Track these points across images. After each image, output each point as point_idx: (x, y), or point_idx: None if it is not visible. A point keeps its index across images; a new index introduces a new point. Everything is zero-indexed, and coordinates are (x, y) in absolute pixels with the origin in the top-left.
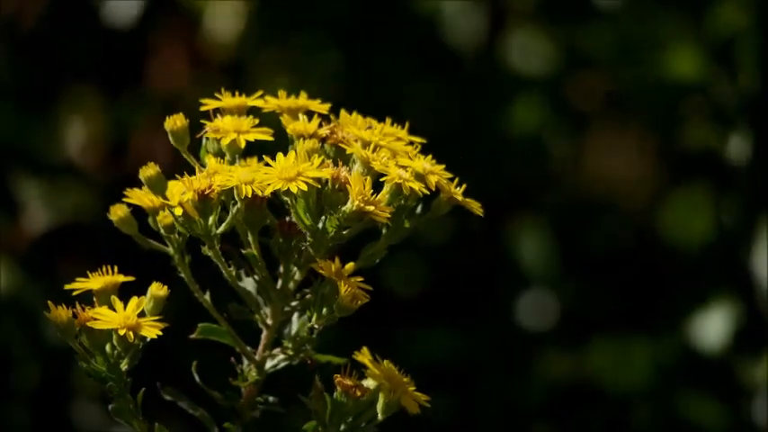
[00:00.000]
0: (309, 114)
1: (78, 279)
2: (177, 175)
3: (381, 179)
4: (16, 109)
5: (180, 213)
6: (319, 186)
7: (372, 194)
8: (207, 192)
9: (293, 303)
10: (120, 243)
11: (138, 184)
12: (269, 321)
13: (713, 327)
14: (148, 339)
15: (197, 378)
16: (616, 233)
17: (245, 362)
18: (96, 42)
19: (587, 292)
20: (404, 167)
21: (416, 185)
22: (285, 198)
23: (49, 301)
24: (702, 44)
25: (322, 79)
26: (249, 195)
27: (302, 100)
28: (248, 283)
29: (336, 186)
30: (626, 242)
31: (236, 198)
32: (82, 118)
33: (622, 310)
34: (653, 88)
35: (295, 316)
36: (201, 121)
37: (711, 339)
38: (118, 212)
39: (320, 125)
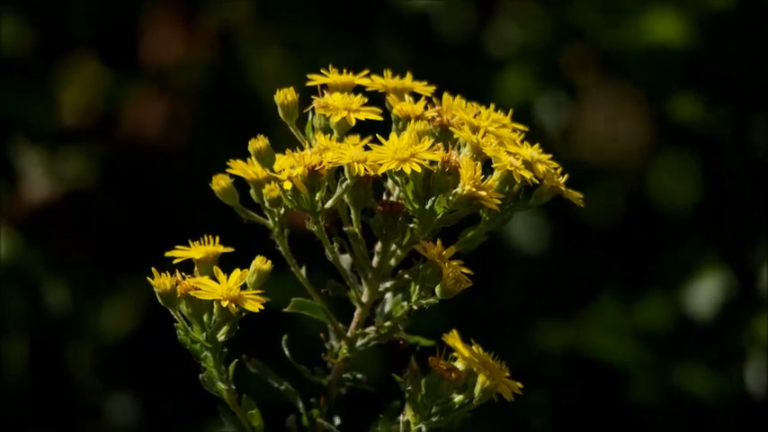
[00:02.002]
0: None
1: (178, 247)
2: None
3: (492, 165)
4: (15, 77)
5: (289, 187)
6: (431, 168)
7: (483, 180)
8: (318, 168)
9: (389, 283)
10: (118, 211)
11: (134, 155)
12: (364, 299)
13: (705, 294)
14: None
15: (287, 352)
16: (608, 201)
17: (335, 338)
18: (94, 11)
19: (579, 263)
20: (513, 155)
21: (527, 174)
22: (397, 178)
23: (153, 269)
24: (689, 15)
25: (311, 55)
26: (361, 174)
27: (408, 81)
28: (344, 261)
29: (446, 170)
30: (617, 210)
31: (347, 176)
32: (79, 86)
33: (614, 279)
34: (641, 54)
35: (389, 295)
36: (312, 96)
37: (703, 306)
38: (220, 182)
39: (425, 107)
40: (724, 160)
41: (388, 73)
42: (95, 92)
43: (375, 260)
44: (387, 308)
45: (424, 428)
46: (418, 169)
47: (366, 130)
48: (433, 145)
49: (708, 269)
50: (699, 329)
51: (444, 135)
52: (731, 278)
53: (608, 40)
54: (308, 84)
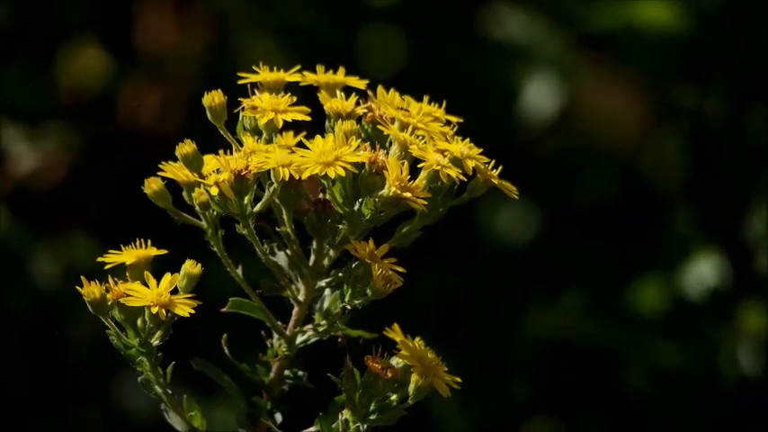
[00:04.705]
0: (346, 90)
1: (110, 252)
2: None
3: (419, 165)
4: (11, 57)
5: (216, 193)
6: (356, 171)
7: (409, 180)
8: (243, 173)
9: (326, 280)
10: (110, 190)
11: (127, 139)
12: (300, 297)
13: (698, 275)
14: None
15: (227, 351)
16: (602, 184)
17: (276, 337)
18: None
19: (570, 247)
20: (442, 152)
21: (453, 172)
22: (323, 181)
23: (82, 277)
24: (684, 2)
25: (304, 40)
26: (286, 178)
27: (340, 76)
28: (281, 259)
29: (373, 170)
30: (611, 192)
31: (273, 180)
32: (75, 69)
33: (606, 262)
34: (635, 38)
35: (327, 292)
36: (239, 99)
37: (696, 288)
38: (152, 186)
39: (357, 102)
40: (717, 143)
41: (320, 68)
42: (91, 75)
43: (312, 258)
44: (325, 305)
45: (361, 427)
46: (342, 173)
47: (305, 124)
48: (359, 145)
49: (701, 251)
50: (691, 311)
51: (376, 131)
52: (724, 260)
53: (603, 23)
54: (240, 82)
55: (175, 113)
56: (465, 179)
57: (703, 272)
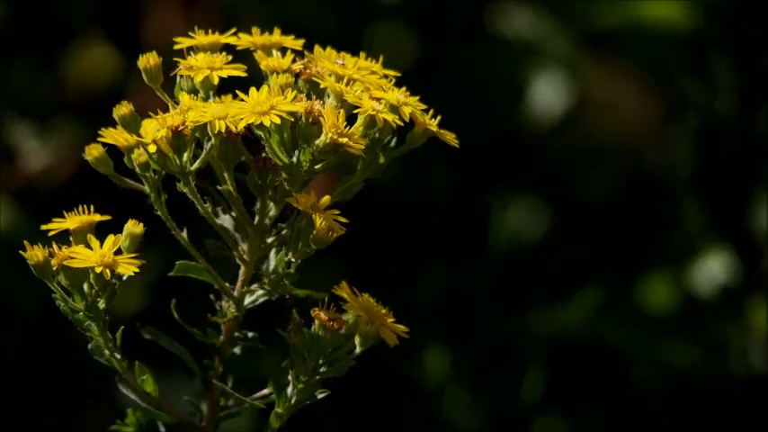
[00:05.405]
0: (284, 51)
1: (54, 219)
2: (151, 113)
3: (355, 111)
4: (18, 54)
5: (154, 151)
6: (293, 120)
7: (346, 127)
8: (180, 128)
9: (270, 239)
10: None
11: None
12: (246, 257)
13: (706, 272)
14: (125, 277)
15: (176, 316)
16: (608, 181)
17: (224, 299)
18: None
19: (579, 244)
20: (378, 99)
21: (390, 117)
22: (259, 133)
23: (24, 241)
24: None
25: (312, 38)
26: (222, 130)
27: (276, 36)
28: (225, 220)
29: (310, 120)
30: (618, 189)
31: (210, 134)
32: (84, 66)
33: (615, 260)
34: (642, 35)
35: (273, 251)
36: (175, 59)
37: (704, 285)
38: (93, 152)
39: (294, 61)
40: (725, 140)
41: (255, 30)
42: (99, 72)
43: (257, 217)
44: (272, 264)
45: (311, 381)
46: (277, 121)
47: (245, 88)
48: (296, 96)
49: (710, 248)
50: (701, 309)
51: (314, 88)
52: (733, 257)
53: (609, 21)
54: (176, 47)
55: None
56: (401, 124)
57: (712, 269)
